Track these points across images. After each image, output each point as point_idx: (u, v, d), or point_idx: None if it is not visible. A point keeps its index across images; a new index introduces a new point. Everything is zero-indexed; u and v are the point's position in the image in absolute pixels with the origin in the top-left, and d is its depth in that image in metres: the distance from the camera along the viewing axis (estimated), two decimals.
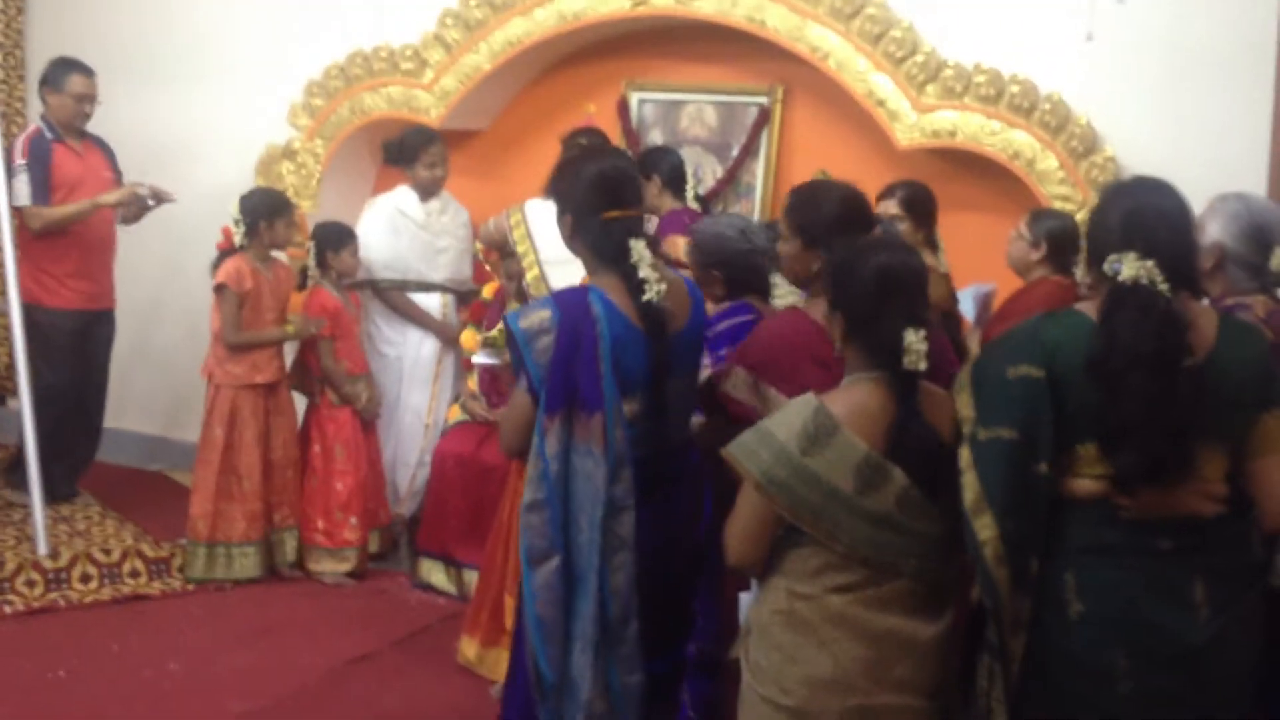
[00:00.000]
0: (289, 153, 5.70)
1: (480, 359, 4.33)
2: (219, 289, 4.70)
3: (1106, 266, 2.19)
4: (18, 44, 6.36)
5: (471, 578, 4.71)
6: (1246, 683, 2.22)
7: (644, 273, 2.59)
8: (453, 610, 4.62)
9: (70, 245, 5.05)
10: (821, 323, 2.52)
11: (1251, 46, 4.25)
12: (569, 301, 2.59)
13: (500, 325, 3.45)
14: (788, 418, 2.29)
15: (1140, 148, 4.36)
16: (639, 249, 2.62)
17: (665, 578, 2.68)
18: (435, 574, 4.81)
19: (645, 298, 2.58)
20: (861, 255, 2.40)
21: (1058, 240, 3.73)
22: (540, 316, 2.57)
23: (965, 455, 2.21)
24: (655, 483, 2.62)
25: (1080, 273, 3.54)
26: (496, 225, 4.80)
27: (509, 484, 3.93)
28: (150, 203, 5.09)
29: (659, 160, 4.72)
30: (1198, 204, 2.55)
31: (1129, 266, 2.15)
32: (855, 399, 2.30)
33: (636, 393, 2.59)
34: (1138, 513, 2.15)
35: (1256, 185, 3.80)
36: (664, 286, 2.61)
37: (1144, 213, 2.21)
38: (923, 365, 2.26)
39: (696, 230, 3.50)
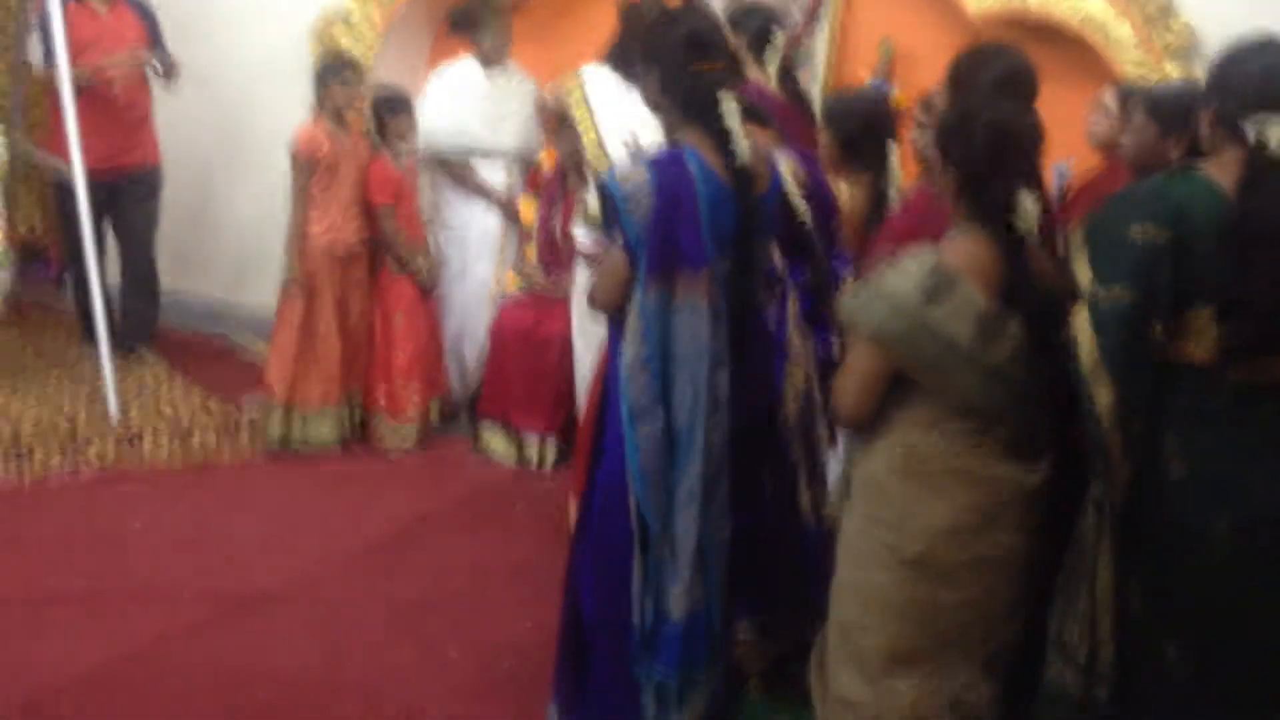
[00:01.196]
0: (344, 17, 5.64)
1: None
2: (292, 158, 4.70)
3: (1251, 129, 2.12)
4: None
5: (531, 443, 4.82)
6: None
7: (730, 125, 2.62)
8: (512, 475, 4.73)
9: (81, 107, 4.89)
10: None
11: None
12: (666, 162, 2.63)
13: (595, 201, 3.44)
14: (905, 271, 2.30)
15: (1217, 15, 4.21)
16: (727, 102, 2.64)
17: (745, 434, 2.75)
18: (495, 440, 4.89)
19: (732, 151, 2.61)
20: (977, 111, 2.38)
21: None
22: (638, 177, 2.60)
23: (1082, 317, 2.20)
24: (736, 342, 2.68)
25: (1128, 137, 3.43)
26: (554, 94, 4.74)
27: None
28: (157, 69, 5.12)
29: (749, 19, 4.51)
30: None
31: (1277, 132, 2.10)
32: (969, 252, 2.31)
33: (727, 251, 2.65)
34: (1243, 378, 2.15)
35: None
36: (749, 144, 2.64)
37: None
38: (1035, 227, 2.27)
39: None
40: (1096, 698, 2.22)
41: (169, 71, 5.20)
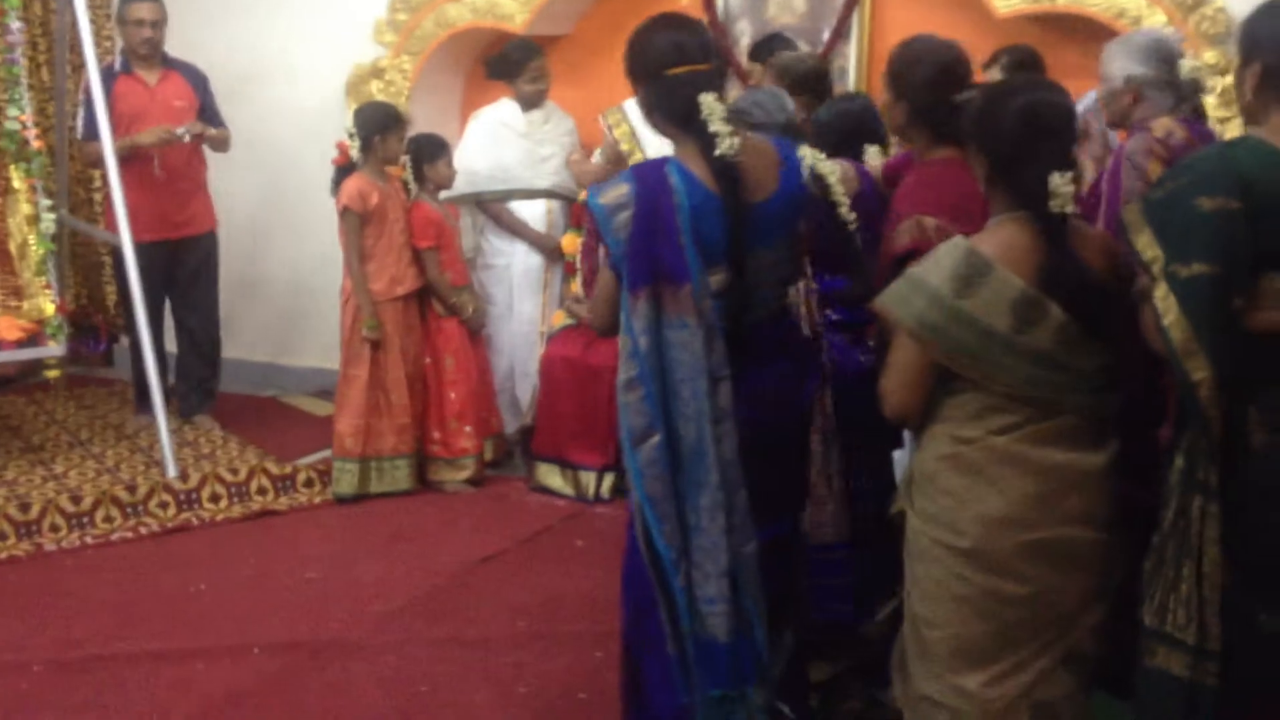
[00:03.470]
0: (377, 71, 5.71)
1: None
2: (343, 213, 4.71)
3: None
4: None
5: (587, 479, 4.79)
6: None
7: (714, 127, 2.47)
8: (571, 511, 4.71)
9: (129, 179, 4.93)
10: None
11: None
12: (646, 174, 2.51)
13: None
14: (938, 261, 2.27)
15: None
16: (709, 103, 2.48)
17: (765, 447, 2.62)
18: (551, 477, 4.87)
19: (716, 153, 2.46)
20: (1007, 95, 2.34)
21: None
22: (618, 192, 2.49)
23: (1164, 295, 2.11)
24: (747, 355, 2.55)
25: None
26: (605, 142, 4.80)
27: None
28: (187, 139, 5.12)
29: (772, 48, 4.54)
30: None
31: None
32: (1004, 238, 2.27)
33: (720, 263, 2.49)
34: None
35: None
36: (737, 142, 2.49)
37: None
38: (1070, 208, 2.22)
39: None
40: (1207, 676, 2.14)
41: (216, 144, 5.24)
